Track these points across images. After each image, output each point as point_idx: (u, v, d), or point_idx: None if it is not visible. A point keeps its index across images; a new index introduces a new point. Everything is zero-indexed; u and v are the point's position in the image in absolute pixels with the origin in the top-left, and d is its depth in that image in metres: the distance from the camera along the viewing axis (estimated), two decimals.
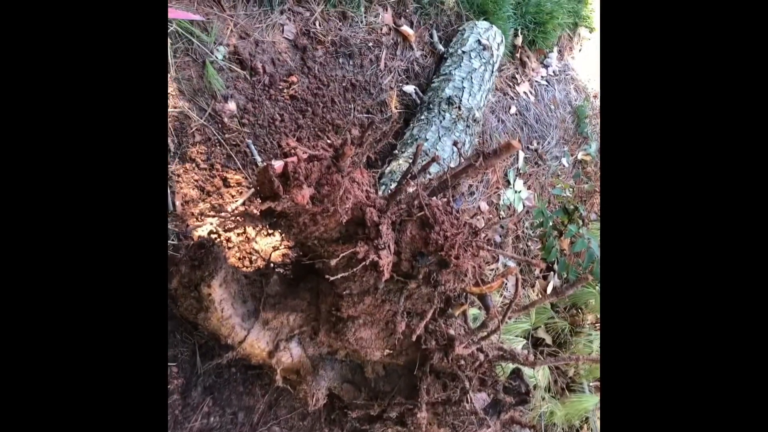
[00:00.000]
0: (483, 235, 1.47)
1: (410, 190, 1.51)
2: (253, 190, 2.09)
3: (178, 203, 1.92)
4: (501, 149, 1.44)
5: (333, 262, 1.38)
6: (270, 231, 1.50)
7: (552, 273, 3.37)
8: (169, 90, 2.03)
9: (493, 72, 3.08)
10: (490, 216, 3.10)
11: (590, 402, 2.78)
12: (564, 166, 3.82)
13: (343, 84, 2.67)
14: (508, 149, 1.43)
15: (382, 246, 1.39)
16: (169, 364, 1.74)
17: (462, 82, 2.85)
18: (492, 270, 2.93)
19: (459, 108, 2.71)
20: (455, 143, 1.47)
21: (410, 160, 2.37)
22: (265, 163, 1.37)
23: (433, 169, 2.37)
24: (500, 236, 3.23)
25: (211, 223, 1.93)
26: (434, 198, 1.52)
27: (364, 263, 1.39)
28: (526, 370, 2.43)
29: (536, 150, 3.67)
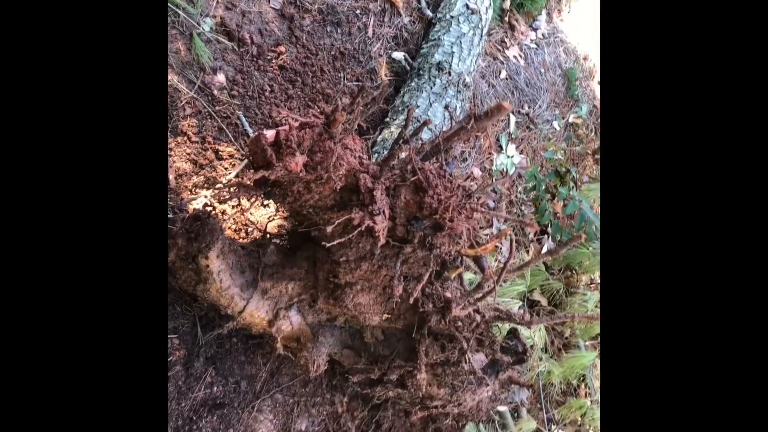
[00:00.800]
0: (476, 197, 1.49)
1: (403, 155, 1.52)
2: (245, 162, 2.09)
3: (171, 177, 1.92)
4: (492, 111, 1.44)
5: (329, 229, 1.39)
6: (265, 201, 1.51)
7: (546, 236, 3.39)
8: None
9: (482, 36, 3.07)
10: (489, 183, 3.11)
11: (586, 359, 2.83)
12: (555, 129, 3.82)
13: (332, 53, 2.65)
14: (499, 111, 1.43)
15: (377, 211, 1.40)
16: (170, 336, 1.76)
17: (451, 47, 2.83)
18: (487, 235, 2.95)
19: (449, 73, 2.70)
20: (446, 107, 1.47)
21: (402, 126, 2.38)
22: (257, 133, 1.37)
23: (426, 135, 2.37)
24: (494, 201, 3.25)
25: (206, 196, 1.93)
26: (427, 162, 1.53)
27: (359, 229, 1.40)
28: (523, 331, 2.47)
29: (527, 114, 3.67)
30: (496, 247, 1.49)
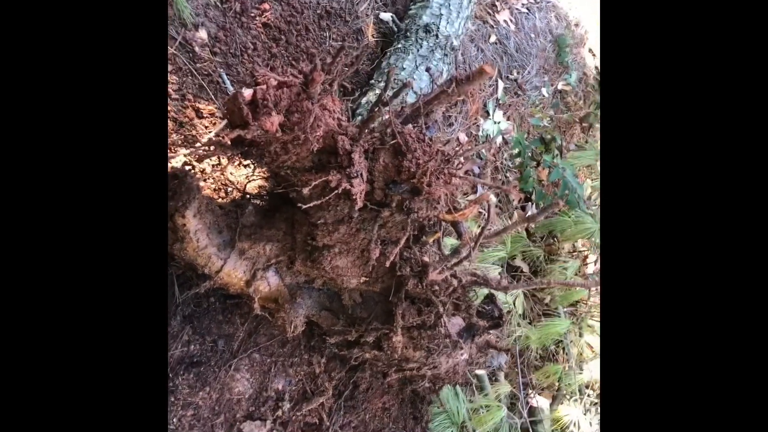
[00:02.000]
0: (455, 162, 1.48)
1: (383, 118, 1.50)
2: (226, 121, 2.06)
3: None
4: (474, 75, 1.43)
5: (305, 190, 1.38)
6: (242, 161, 1.49)
7: (530, 203, 3.40)
8: None
9: None
10: (469, 147, 3.10)
11: (562, 325, 2.87)
12: (544, 96, 3.80)
13: (318, 11, 2.59)
14: (481, 75, 1.42)
15: (355, 174, 1.39)
16: None
17: (440, 9, 2.78)
18: (469, 200, 2.95)
19: (437, 36, 2.66)
20: (428, 69, 1.45)
21: (382, 89, 2.35)
22: (234, 91, 1.35)
23: (411, 98, 2.34)
24: (479, 167, 3.24)
25: (185, 155, 1.91)
26: (407, 126, 1.51)
27: (336, 192, 1.39)
28: (501, 296, 2.49)
29: (516, 80, 3.63)
30: (480, 212, 1.48)
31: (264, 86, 1.33)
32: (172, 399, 1.72)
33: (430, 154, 1.43)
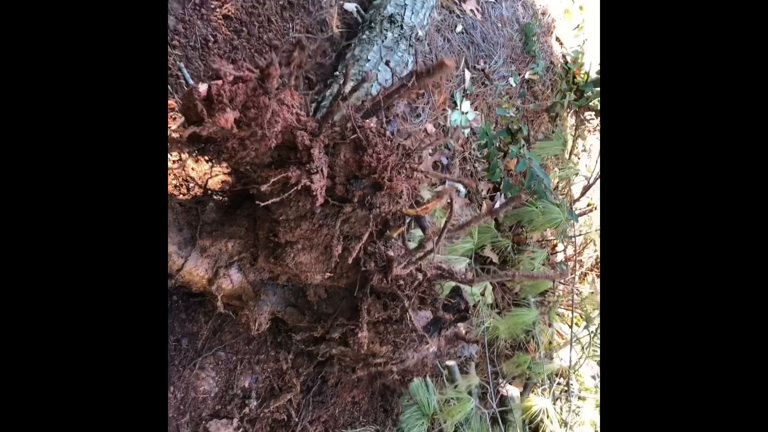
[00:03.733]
0: (417, 156, 1.46)
1: (343, 112, 1.48)
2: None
3: None
4: (435, 68, 1.41)
5: (264, 187, 1.36)
6: (200, 157, 1.46)
7: (498, 193, 3.41)
8: None
9: None
10: (433, 139, 3.09)
11: (530, 315, 2.89)
12: (511, 85, 3.80)
13: (280, 2, 2.55)
14: (441, 68, 1.40)
15: (315, 170, 1.37)
16: None
17: None
18: (436, 191, 2.94)
19: (401, 27, 2.63)
20: (387, 63, 1.43)
21: (352, 83, 2.32)
22: (189, 87, 1.31)
23: (375, 90, 2.32)
24: (447, 158, 3.23)
25: None
26: (368, 120, 1.50)
27: (296, 188, 1.37)
28: (468, 288, 2.50)
29: (483, 70, 3.63)
30: (449, 205, 1.47)
31: (219, 81, 1.30)
32: None
33: (391, 149, 1.41)
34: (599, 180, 3.25)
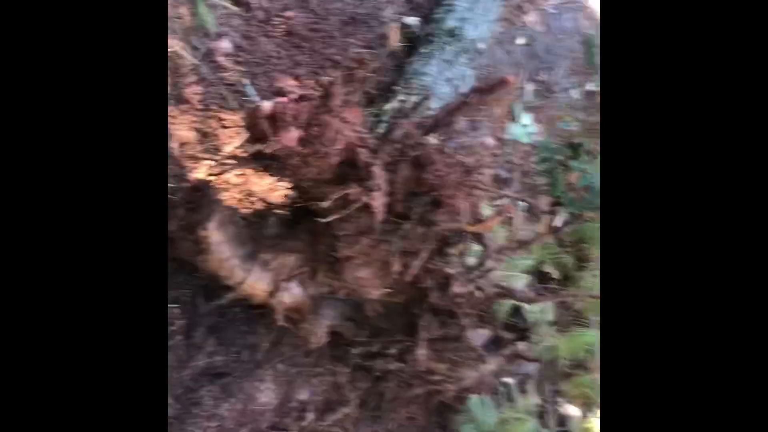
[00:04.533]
0: (478, 173, 1.46)
1: (404, 128, 1.49)
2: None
3: (174, 146, 1.91)
4: (496, 85, 1.41)
5: (325, 204, 1.38)
6: (262, 173, 1.50)
7: (559, 208, 3.34)
8: None
9: (498, 1, 2.97)
10: (494, 152, 3.06)
11: (592, 335, 2.80)
12: (573, 98, 3.73)
13: (342, 17, 2.59)
14: (502, 85, 1.40)
15: (375, 187, 1.38)
16: (171, 305, 1.77)
17: (465, 12, 2.75)
18: (497, 206, 2.91)
19: (462, 40, 2.63)
20: (449, 79, 1.43)
21: (412, 98, 2.33)
22: (254, 105, 1.35)
23: (435, 104, 2.32)
24: (507, 171, 3.20)
25: (209, 166, 1.92)
26: (428, 137, 1.50)
27: (356, 205, 1.38)
28: (528, 306, 2.45)
29: (544, 82, 3.58)
30: (499, 221, 1.46)
31: (284, 99, 1.33)
32: (196, 411, 1.73)
33: (452, 166, 1.41)
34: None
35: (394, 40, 2.77)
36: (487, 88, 1.41)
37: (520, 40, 3.51)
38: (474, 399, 2.46)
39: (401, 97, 2.36)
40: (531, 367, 2.78)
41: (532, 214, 3.23)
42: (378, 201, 1.38)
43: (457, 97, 1.49)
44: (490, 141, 3.08)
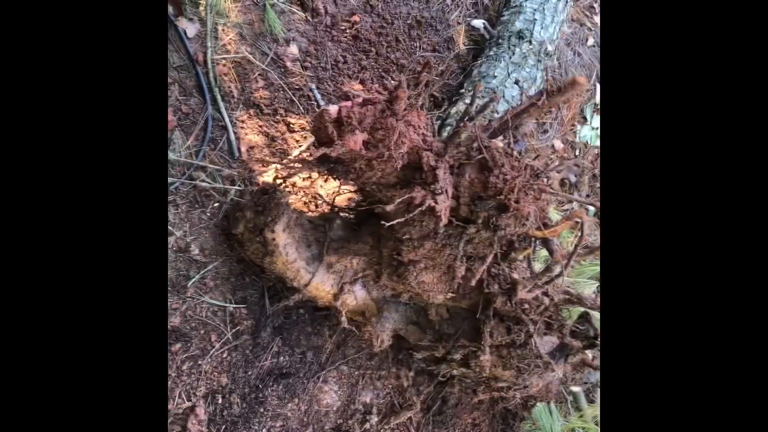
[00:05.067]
0: (545, 177, 1.42)
1: (469, 131, 1.46)
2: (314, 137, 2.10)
3: (243, 149, 1.95)
4: (565, 87, 1.36)
5: (389, 207, 1.37)
6: (328, 176, 1.51)
7: None
8: (231, 36, 2.04)
9: (567, 2, 2.90)
10: (564, 155, 2.99)
11: None
12: None
13: (408, 21, 2.59)
14: (573, 86, 1.35)
15: (440, 191, 1.36)
16: (239, 306, 1.81)
17: (534, 14, 2.70)
18: (565, 210, 2.84)
19: (530, 42, 2.58)
20: (516, 82, 1.40)
21: (478, 101, 2.30)
22: (321, 109, 1.36)
23: (502, 107, 2.28)
24: (575, 175, 3.11)
25: (276, 169, 1.95)
26: (494, 140, 1.47)
27: (421, 208, 1.37)
28: (595, 314, 2.38)
29: None
30: (567, 227, 1.42)
31: (349, 103, 1.33)
32: (262, 410, 1.76)
33: (519, 169, 1.38)
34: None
35: (461, 42, 2.75)
36: (557, 90, 1.36)
37: (590, 41, 3.42)
38: (540, 407, 2.41)
39: (467, 100, 2.34)
40: (599, 376, 2.69)
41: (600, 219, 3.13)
42: (443, 205, 1.37)
43: (525, 99, 1.45)
44: (559, 144, 3.02)
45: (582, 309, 1.88)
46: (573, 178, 3.11)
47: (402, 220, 1.40)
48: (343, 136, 1.29)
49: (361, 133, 1.29)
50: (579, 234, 1.44)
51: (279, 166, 1.58)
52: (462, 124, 1.42)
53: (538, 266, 1.72)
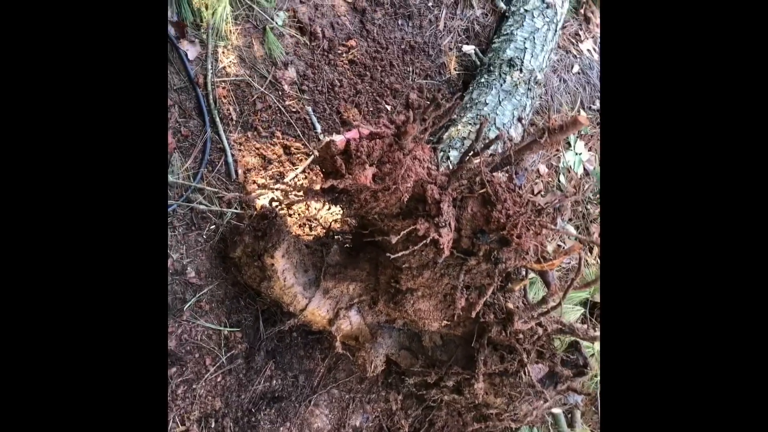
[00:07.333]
0: (545, 214, 1.45)
1: (472, 165, 1.49)
2: (312, 158, 2.11)
3: (240, 171, 1.96)
4: (568, 125, 1.40)
5: (393, 239, 1.39)
6: (331, 206, 1.52)
7: None
8: (231, 58, 2.05)
9: (556, 31, 2.97)
10: (549, 179, 3.04)
11: None
12: None
13: (402, 46, 2.62)
14: (575, 125, 1.39)
15: (443, 224, 1.39)
16: (233, 329, 1.80)
17: (524, 42, 2.75)
18: (552, 241, 2.89)
19: (520, 70, 2.63)
20: (520, 119, 1.44)
21: (470, 127, 2.34)
22: (327, 139, 1.37)
23: (493, 134, 2.32)
24: (559, 201, 3.16)
25: (273, 191, 1.96)
26: (496, 174, 1.50)
27: (424, 241, 1.39)
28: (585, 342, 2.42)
29: (598, 110, 3.55)
30: (564, 260, 1.46)
31: (356, 135, 1.35)
32: None
33: (521, 205, 1.41)
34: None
35: (452, 68, 2.79)
36: (559, 128, 1.40)
37: (575, 68, 3.50)
38: (524, 430, 2.44)
39: (464, 121, 2.37)
40: (578, 397, 2.74)
41: (582, 242, 3.19)
42: (446, 237, 1.39)
43: (528, 135, 1.49)
44: (544, 168, 3.07)
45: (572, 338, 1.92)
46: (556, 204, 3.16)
47: (407, 252, 1.42)
48: (353, 170, 1.30)
49: (371, 167, 1.31)
50: (577, 267, 1.47)
51: (279, 194, 1.58)
52: (466, 159, 1.45)
53: (532, 297, 1.76)
